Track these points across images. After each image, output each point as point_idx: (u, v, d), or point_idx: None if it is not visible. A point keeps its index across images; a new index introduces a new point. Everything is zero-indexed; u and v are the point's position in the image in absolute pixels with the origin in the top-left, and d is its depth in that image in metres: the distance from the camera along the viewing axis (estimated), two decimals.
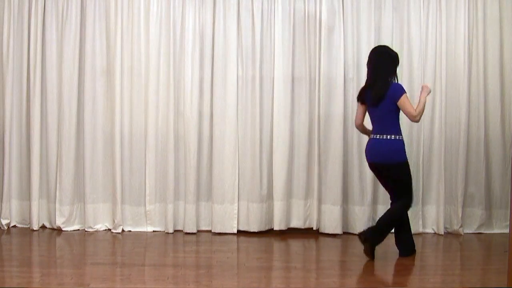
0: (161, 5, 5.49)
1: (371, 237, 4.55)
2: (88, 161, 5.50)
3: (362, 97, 4.72)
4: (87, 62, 5.48)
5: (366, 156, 4.76)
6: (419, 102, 4.56)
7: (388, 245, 5.22)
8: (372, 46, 5.49)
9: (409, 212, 5.54)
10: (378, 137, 4.59)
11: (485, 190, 5.63)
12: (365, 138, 5.49)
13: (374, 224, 4.81)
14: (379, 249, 5.12)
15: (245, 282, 4.08)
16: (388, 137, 4.55)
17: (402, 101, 4.51)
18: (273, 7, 5.51)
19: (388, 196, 5.58)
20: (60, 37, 5.48)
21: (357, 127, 4.87)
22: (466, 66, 5.53)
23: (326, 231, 5.49)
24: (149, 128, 5.51)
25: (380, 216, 5.23)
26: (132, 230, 5.54)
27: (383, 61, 4.65)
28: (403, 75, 5.57)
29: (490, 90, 5.62)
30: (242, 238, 5.36)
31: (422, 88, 4.65)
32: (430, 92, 4.69)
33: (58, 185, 5.49)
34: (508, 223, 5.32)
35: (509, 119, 5.63)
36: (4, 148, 5.50)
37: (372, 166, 4.73)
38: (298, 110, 5.55)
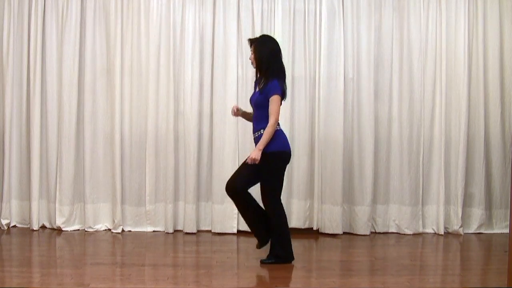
0: (161, 5, 5.49)
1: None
2: (88, 161, 5.50)
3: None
4: (87, 62, 5.48)
5: (288, 147, 4.51)
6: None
7: (388, 246, 5.22)
8: (372, 46, 5.53)
9: (409, 212, 5.58)
10: None
11: (485, 190, 5.63)
12: (365, 138, 5.52)
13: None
14: (378, 249, 5.12)
15: (245, 282, 4.08)
16: None
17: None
18: (273, 7, 5.51)
19: (387, 195, 5.62)
20: (60, 37, 5.48)
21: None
22: (466, 66, 5.53)
23: (326, 231, 5.49)
24: (149, 128, 5.51)
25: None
26: (132, 230, 5.54)
27: None
28: (403, 75, 5.58)
29: (490, 90, 5.62)
30: (242, 238, 5.36)
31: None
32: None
33: (58, 185, 5.49)
34: (508, 223, 5.33)
35: (509, 119, 5.63)
36: (4, 148, 5.50)
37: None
38: (298, 110, 5.55)
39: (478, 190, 5.61)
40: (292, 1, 5.52)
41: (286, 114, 5.48)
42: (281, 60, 4.45)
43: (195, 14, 5.49)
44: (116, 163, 5.46)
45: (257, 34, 5.47)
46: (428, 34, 5.58)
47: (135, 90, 5.53)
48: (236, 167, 5.49)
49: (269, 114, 4.32)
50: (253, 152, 4.32)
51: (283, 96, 4.39)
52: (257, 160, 4.30)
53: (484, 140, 5.59)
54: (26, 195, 5.56)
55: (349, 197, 5.56)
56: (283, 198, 5.45)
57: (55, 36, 5.49)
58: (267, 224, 4.50)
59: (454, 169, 5.57)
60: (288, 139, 5.46)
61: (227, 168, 5.47)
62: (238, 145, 5.51)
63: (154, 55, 5.48)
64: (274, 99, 4.31)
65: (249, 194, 4.47)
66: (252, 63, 4.49)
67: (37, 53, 5.45)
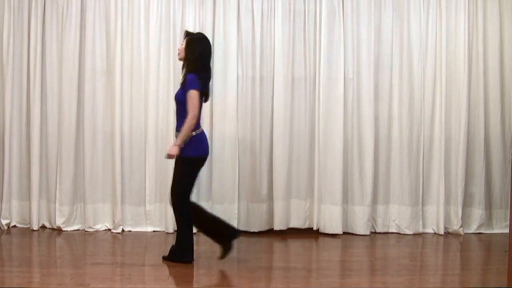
0: (161, 5, 5.49)
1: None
2: (88, 161, 5.50)
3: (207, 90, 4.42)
4: (87, 62, 5.48)
5: (207, 151, 4.45)
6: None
7: (388, 246, 5.22)
8: (372, 46, 5.52)
9: (409, 212, 5.58)
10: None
11: (485, 190, 5.63)
12: (365, 138, 5.52)
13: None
14: (378, 249, 5.12)
15: (245, 282, 4.08)
16: None
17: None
18: (273, 7, 5.51)
19: (387, 195, 5.63)
20: (60, 37, 5.48)
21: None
22: (466, 66, 5.53)
23: (326, 231, 5.49)
24: (149, 128, 5.51)
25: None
26: (132, 230, 5.54)
27: None
28: (403, 75, 5.58)
29: (490, 90, 5.62)
30: (242, 238, 5.34)
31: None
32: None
33: (58, 185, 5.49)
34: (508, 223, 5.33)
35: (509, 119, 5.63)
36: (4, 148, 5.50)
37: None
38: (298, 110, 5.55)
39: (478, 190, 5.61)
40: (292, 1, 5.51)
41: (286, 114, 5.49)
42: (209, 63, 4.40)
43: (195, 14, 5.49)
44: (116, 163, 5.46)
45: (257, 34, 5.49)
46: (428, 34, 5.58)
47: (135, 90, 5.53)
48: (236, 166, 5.51)
49: (188, 110, 4.21)
50: (171, 148, 4.26)
51: (202, 93, 4.29)
52: (173, 156, 4.24)
53: (484, 140, 5.59)
54: (26, 195, 5.56)
55: (349, 197, 5.56)
56: (283, 198, 5.49)
57: (55, 36, 5.49)
58: (223, 230, 4.51)
59: (454, 169, 5.57)
60: (288, 139, 5.52)
61: (227, 168, 5.47)
62: (238, 145, 5.51)
63: (154, 55, 5.48)
64: (191, 94, 4.21)
65: (196, 204, 4.51)
66: (178, 53, 4.46)
67: (37, 53, 5.45)
